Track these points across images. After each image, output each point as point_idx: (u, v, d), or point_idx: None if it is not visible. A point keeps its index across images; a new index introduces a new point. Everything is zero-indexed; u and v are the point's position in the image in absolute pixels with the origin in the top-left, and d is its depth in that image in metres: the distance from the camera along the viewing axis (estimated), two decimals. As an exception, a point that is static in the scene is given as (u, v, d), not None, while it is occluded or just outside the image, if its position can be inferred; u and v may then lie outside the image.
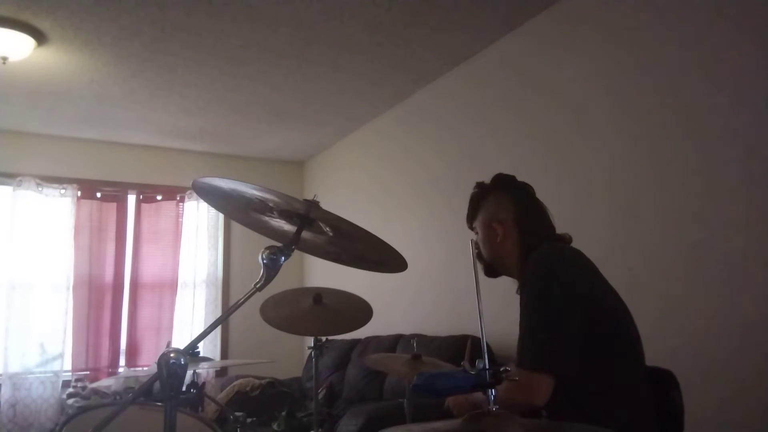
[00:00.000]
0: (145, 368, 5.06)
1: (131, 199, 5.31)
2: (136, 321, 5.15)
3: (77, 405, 4.13)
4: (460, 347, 3.24)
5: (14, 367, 4.59)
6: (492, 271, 1.71)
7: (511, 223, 1.64)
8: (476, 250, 1.71)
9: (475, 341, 1.44)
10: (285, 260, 1.09)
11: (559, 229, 1.67)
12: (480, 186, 1.77)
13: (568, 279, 1.45)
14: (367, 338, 4.18)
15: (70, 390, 4.46)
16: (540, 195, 1.73)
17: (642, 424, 1.40)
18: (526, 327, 1.42)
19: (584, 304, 1.42)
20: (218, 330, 5.30)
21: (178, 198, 5.45)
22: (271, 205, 1.15)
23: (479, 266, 1.43)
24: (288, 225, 1.20)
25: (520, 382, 1.33)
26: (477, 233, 1.74)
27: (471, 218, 1.78)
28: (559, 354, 1.37)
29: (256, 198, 1.15)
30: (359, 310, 2.32)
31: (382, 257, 1.32)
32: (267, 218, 1.23)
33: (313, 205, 1.09)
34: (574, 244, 1.63)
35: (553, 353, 1.37)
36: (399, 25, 3.27)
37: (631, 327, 1.50)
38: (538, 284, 1.45)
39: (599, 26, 2.83)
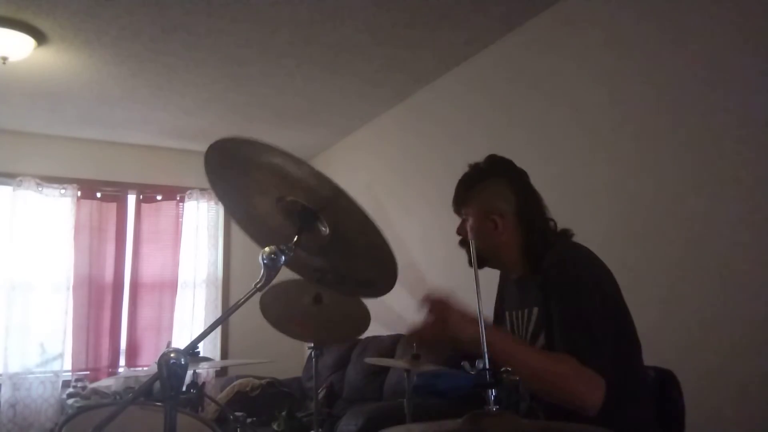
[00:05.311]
0: (145, 368, 5.06)
1: (131, 199, 5.31)
2: (136, 321, 5.15)
3: (77, 405, 4.13)
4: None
5: (14, 367, 4.60)
6: (481, 262, 1.53)
7: (511, 215, 1.53)
8: (472, 244, 1.44)
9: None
10: (285, 261, 1.08)
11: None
12: (476, 168, 1.60)
13: (611, 282, 1.43)
14: (367, 338, 4.18)
15: (70, 390, 4.45)
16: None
17: (643, 424, 1.40)
18: (584, 320, 1.33)
19: (617, 309, 1.42)
20: (218, 330, 5.30)
21: (178, 198, 5.45)
22: (295, 175, 1.06)
23: (473, 254, 1.27)
24: (288, 224, 1.19)
25: (588, 375, 1.24)
26: (467, 220, 1.57)
27: (461, 202, 1.59)
28: (609, 358, 1.30)
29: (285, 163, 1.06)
30: (357, 319, 2.31)
31: (371, 276, 1.27)
32: (269, 210, 1.19)
33: (341, 193, 1.00)
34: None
35: (606, 357, 1.30)
36: (399, 25, 3.27)
37: (635, 331, 1.49)
38: (588, 283, 1.38)
39: (599, 27, 2.83)
